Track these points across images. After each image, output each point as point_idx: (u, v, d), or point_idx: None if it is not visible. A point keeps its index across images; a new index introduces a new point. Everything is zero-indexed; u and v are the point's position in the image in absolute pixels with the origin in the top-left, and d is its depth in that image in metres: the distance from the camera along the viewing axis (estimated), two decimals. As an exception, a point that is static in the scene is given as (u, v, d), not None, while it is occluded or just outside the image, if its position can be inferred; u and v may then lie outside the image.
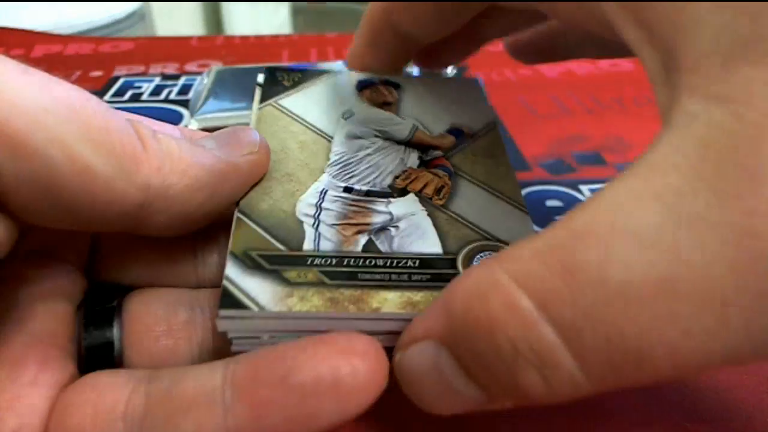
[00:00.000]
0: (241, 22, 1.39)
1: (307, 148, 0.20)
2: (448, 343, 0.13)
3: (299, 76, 0.24)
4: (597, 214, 0.11)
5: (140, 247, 0.18)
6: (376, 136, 0.21)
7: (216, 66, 0.39)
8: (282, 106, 0.22)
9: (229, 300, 0.15)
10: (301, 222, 0.17)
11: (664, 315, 0.10)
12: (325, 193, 0.18)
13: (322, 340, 0.14)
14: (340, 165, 0.19)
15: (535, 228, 0.19)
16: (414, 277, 0.16)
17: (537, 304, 0.11)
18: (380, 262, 0.17)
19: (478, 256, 0.17)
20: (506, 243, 0.18)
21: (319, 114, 0.22)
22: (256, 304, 0.15)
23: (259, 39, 0.52)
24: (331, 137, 0.21)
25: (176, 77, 0.42)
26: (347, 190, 0.18)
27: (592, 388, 0.11)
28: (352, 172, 0.19)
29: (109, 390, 0.15)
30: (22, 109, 0.12)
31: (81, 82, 0.41)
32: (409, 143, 0.20)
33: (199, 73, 0.43)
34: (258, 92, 0.23)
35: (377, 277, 0.16)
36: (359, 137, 0.21)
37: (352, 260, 0.17)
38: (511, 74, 0.45)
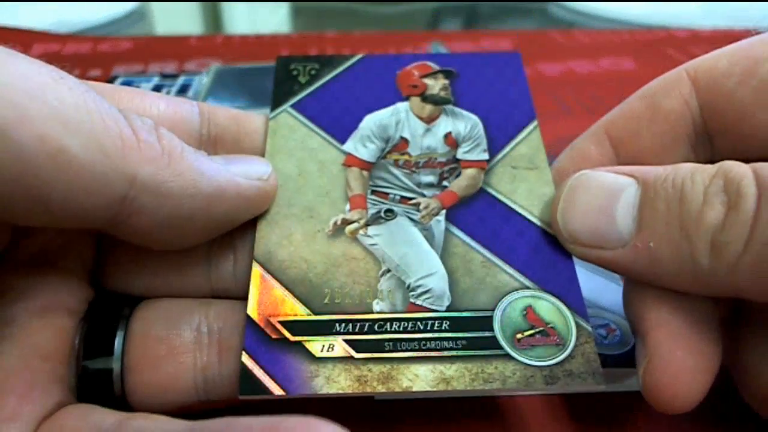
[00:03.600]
0: (240, 21, 1.39)
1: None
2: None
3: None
4: None
5: (148, 254, 0.17)
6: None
7: (215, 65, 0.39)
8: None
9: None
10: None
11: None
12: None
13: (276, 431, 0.12)
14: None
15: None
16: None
17: None
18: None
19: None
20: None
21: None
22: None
23: (259, 38, 0.52)
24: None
25: (175, 76, 0.42)
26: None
27: None
28: None
29: None
30: None
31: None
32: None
33: (198, 72, 0.43)
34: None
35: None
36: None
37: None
38: (511, 73, 0.44)
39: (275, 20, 1.57)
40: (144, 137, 0.14)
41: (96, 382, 0.16)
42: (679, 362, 0.15)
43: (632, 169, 0.16)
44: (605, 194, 0.16)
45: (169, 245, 0.16)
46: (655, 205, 0.15)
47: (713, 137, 0.18)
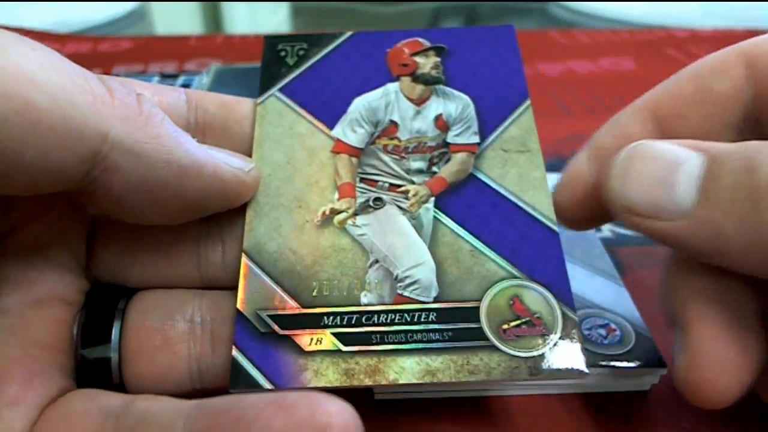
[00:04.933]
0: (240, 21, 1.39)
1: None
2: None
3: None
4: None
5: (139, 245, 0.18)
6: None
7: (215, 65, 0.39)
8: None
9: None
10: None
11: None
12: None
13: (282, 406, 0.12)
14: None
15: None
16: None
17: None
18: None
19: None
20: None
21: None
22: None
23: (259, 38, 0.52)
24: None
25: (175, 76, 0.42)
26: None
27: None
28: None
29: (78, 422, 0.14)
30: None
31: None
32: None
33: (198, 72, 0.43)
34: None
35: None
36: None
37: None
38: (512, 73, 0.44)
39: (275, 20, 1.57)
40: (120, 96, 0.14)
41: (95, 371, 0.16)
42: (724, 360, 0.15)
43: (694, 143, 0.16)
44: (667, 164, 0.16)
45: (142, 218, 0.16)
46: (721, 176, 0.15)
47: (764, 124, 0.17)
